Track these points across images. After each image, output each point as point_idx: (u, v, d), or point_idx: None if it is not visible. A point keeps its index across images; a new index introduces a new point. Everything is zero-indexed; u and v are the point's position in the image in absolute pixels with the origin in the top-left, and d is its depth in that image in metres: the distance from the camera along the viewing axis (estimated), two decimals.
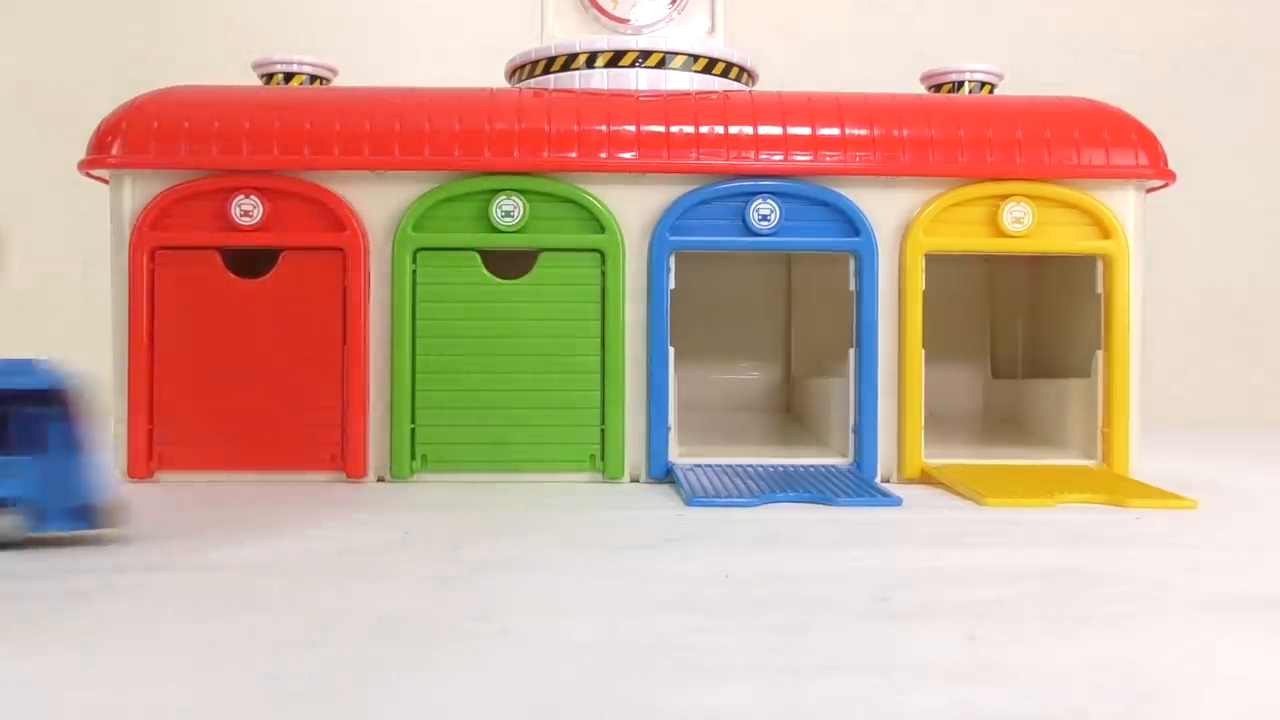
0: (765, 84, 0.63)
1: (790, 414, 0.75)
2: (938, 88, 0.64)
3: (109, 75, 1.06)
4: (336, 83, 0.63)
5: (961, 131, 0.58)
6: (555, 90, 0.59)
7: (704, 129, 0.57)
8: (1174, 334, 1.08)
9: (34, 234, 1.09)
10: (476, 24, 1.09)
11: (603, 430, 0.57)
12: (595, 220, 0.56)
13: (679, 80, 0.60)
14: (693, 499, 0.49)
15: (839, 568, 0.37)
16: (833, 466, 0.57)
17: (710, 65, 0.61)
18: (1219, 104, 1.10)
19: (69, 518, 0.39)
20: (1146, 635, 0.29)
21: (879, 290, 0.57)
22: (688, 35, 0.61)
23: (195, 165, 0.56)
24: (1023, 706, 0.23)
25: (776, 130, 0.57)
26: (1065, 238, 0.58)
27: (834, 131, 0.57)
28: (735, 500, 0.49)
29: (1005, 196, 0.57)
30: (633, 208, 0.57)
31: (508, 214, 0.56)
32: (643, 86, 0.60)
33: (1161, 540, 0.42)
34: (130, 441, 0.56)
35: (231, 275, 0.56)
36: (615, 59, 0.60)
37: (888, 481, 0.58)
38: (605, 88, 0.59)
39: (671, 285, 0.57)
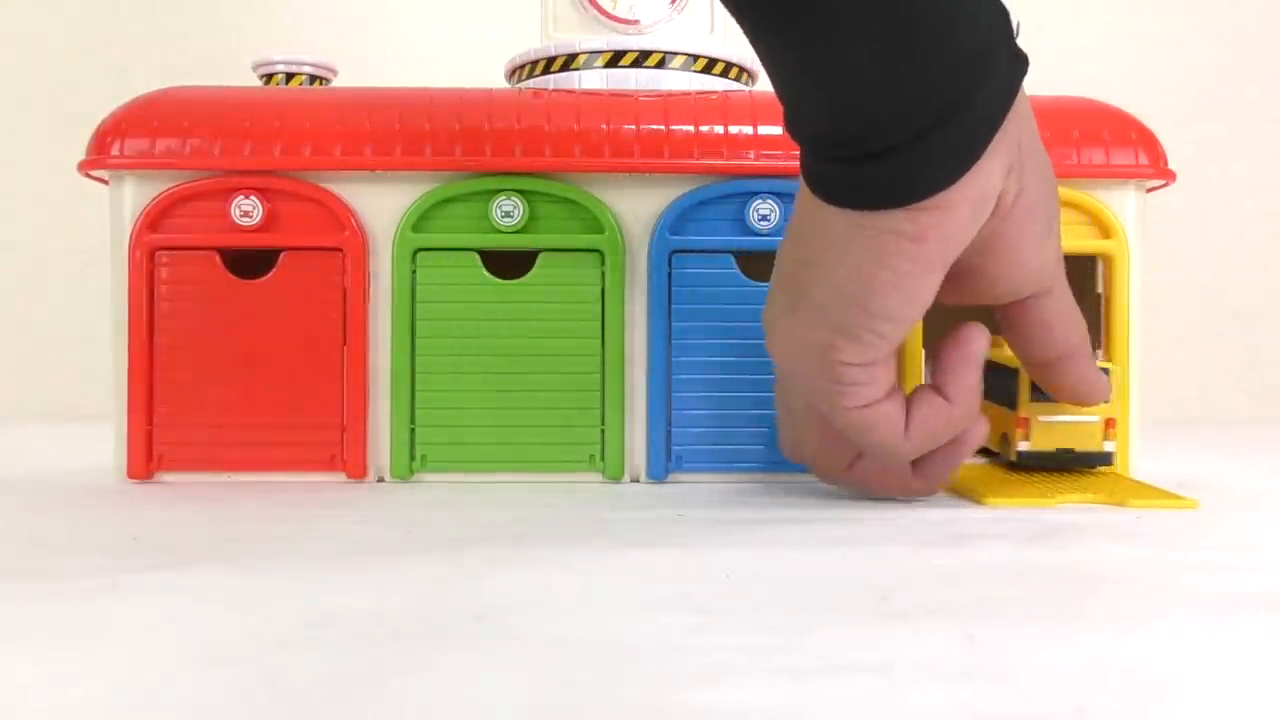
0: (765, 84, 0.63)
1: None
2: None
3: (109, 75, 1.06)
4: (336, 83, 0.63)
5: None
6: (555, 90, 0.59)
7: (704, 129, 0.57)
8: (1174, 334, 1.08)
9: (34, 234, 1.09)
10: (476, 24, 1.09)
11: (603, 430, 0.57)
12: (595, 220, 0.56)
13: (679, 80, 0.60)
14: None
15: (839, 568, 0.37)
16: None
17: (710, 65, 0.61)
18: (1219, 104, 1.10)
19: None
20: (1146, 635, 0.29)
21: None
22: (687, 35, 0.61)
23: (195, 165, 0.56)
24: (1023, 706, 0.23)
25: (776, 130, 0.57)
26: (1065, 237, 0.58)
27: None
28: None
29: None
30: (633, 208, 0.57)
31: (508, 214, 0.56)
32: (642, 86, 0.60)
33: (1161, 540, 0.42)
34: (130, 441, 0.56)
35: (231, 275, 0.56)
36: (615, 59, 0.60)
37: None
38: (605, 88, 0.59)
39: None
